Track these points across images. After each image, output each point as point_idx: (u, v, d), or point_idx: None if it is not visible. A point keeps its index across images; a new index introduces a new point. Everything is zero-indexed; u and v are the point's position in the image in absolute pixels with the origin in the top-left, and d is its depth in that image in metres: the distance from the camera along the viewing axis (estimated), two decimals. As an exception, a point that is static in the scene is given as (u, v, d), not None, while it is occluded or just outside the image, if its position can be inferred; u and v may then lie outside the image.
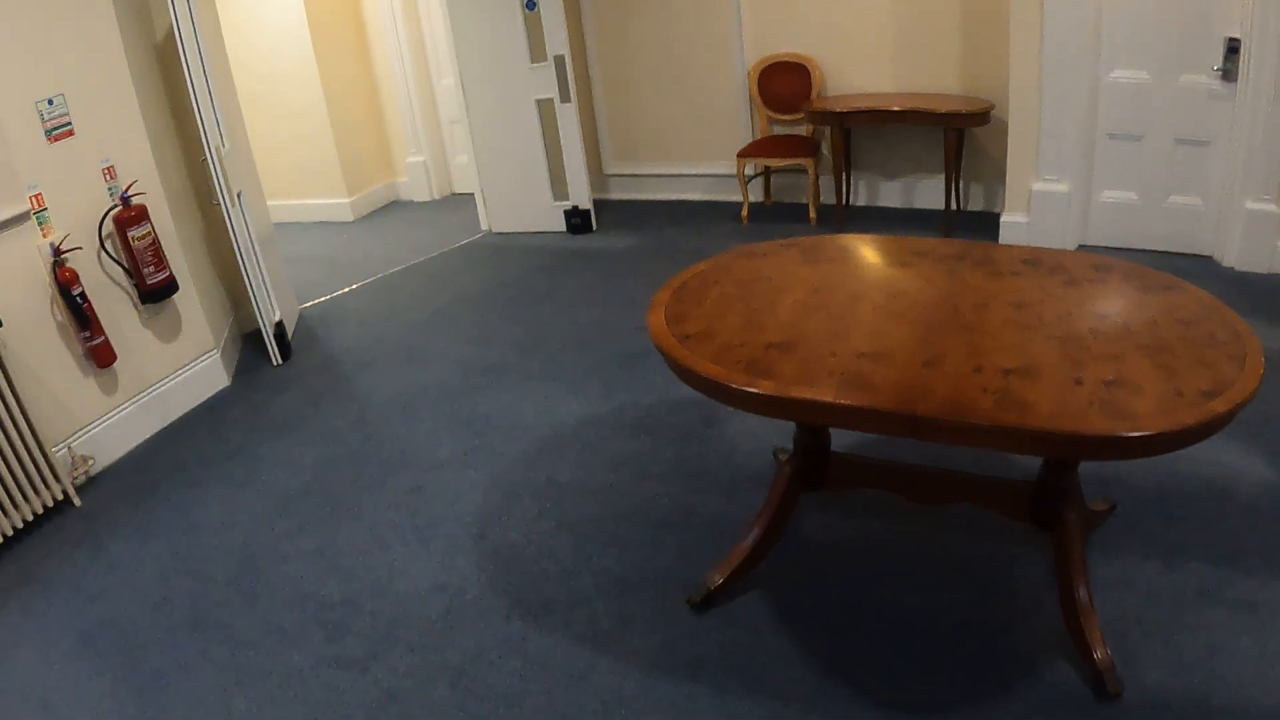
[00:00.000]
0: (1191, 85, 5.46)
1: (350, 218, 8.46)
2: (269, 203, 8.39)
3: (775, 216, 7.14)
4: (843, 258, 3.32)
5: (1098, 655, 2.56)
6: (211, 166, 4.86)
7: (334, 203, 8.49)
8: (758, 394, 2.35)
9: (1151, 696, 2.52)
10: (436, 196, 8.87)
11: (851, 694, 2.65)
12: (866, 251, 3.39)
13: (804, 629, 2.91)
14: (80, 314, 4.12)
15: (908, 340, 2.58)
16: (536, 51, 6.75)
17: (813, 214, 6.81)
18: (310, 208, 8.60)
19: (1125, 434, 2.11)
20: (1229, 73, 5.31)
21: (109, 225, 4.36)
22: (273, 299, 5.44)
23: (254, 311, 5.24)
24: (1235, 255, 5.62)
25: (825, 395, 2.30)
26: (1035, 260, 3.17)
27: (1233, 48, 5.25)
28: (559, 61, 6.67)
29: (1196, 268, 5.69)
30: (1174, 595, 2.89)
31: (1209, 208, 5.70)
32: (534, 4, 6.62)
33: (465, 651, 2.94)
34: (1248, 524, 3.22)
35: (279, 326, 5.37)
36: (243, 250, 5.06)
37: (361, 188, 8.59)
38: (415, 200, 8.90)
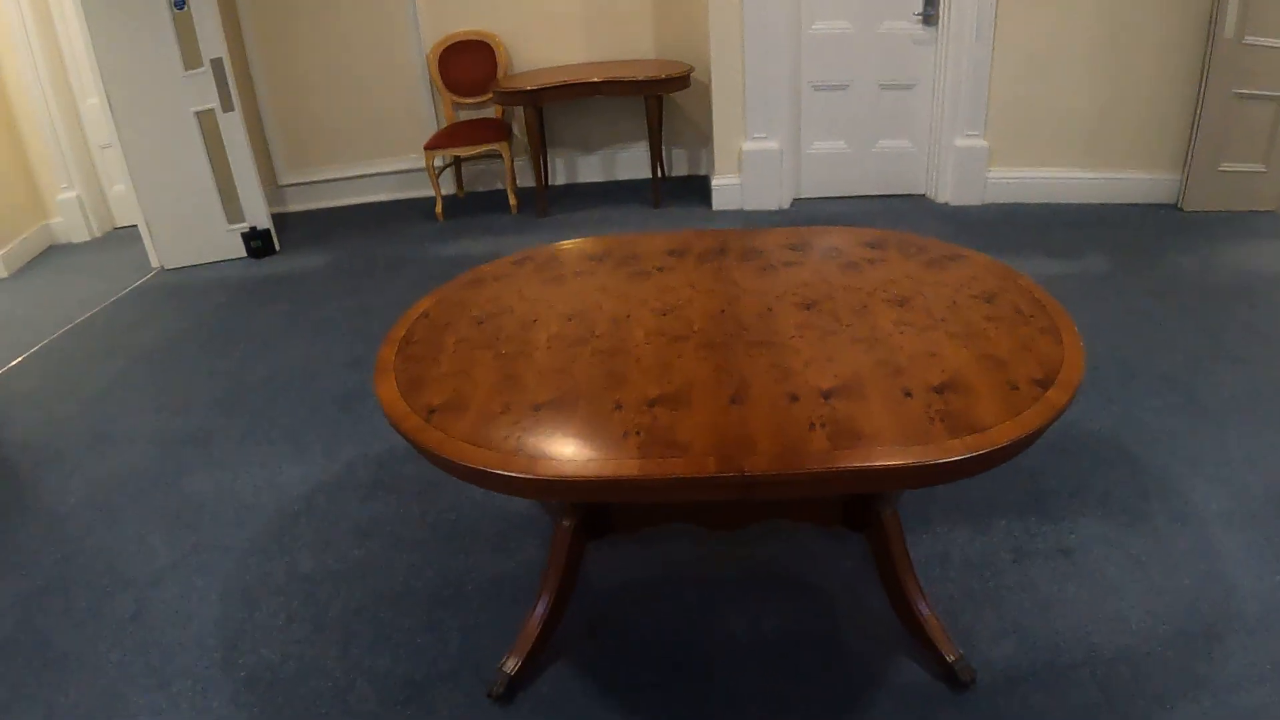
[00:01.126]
0: (893, 31, 5.45)
1: (3, 274, 7.32)
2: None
3: (473, 208, 6.64)
4: (589, 269, 2.87)
5: (949, 657, 2.37)
6: None
7: (-25, 259, 7.33)
8: (545, 480, 1.84)
9: (1003, 671, 2.44)
10: (98, 234, 7.76)
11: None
12: (613, 257, 2.95)
13: (630, 688, 2.52)
14: None
15: (700, 371, 2.16)
16: (190, 57, 5.91)
17: (513, 200, 6.36)
18: (-50, 271, 7.40)
19: (980, 452, 1.82)
20: (930, 17, 5.32)
21: None
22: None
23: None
24: (949, 191, 5.68)
25: (629, 469, 1.82)
26: (802, 244, 2.86)
27: (933, -9, 5.26)
28: (217, 65, 5.88)
29: (913, 207, 5.72)
30: (990, 559, 2.84)
31: (919, 148, 5.72)
32: (183, 2, 5.80)
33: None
34: (1038, 468, 3.24)
35: (-69, 431, 4.46)
36: None
37: (10, 237, 7.41)
38: (74, 241, 7.76)
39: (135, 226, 6.76)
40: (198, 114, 6.04)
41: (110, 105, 6.07)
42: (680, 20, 6.11)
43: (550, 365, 2.27)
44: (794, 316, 2.38)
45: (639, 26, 6.22)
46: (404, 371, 2.31)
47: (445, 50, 6.41)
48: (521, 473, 1.85)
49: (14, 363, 5.50)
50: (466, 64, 6.40)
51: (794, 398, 2.01)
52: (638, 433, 1.93)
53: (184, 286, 6.15)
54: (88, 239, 7.72)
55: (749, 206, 5.82)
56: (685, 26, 6.07)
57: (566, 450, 1.92)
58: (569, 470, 1.85)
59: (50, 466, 4.22)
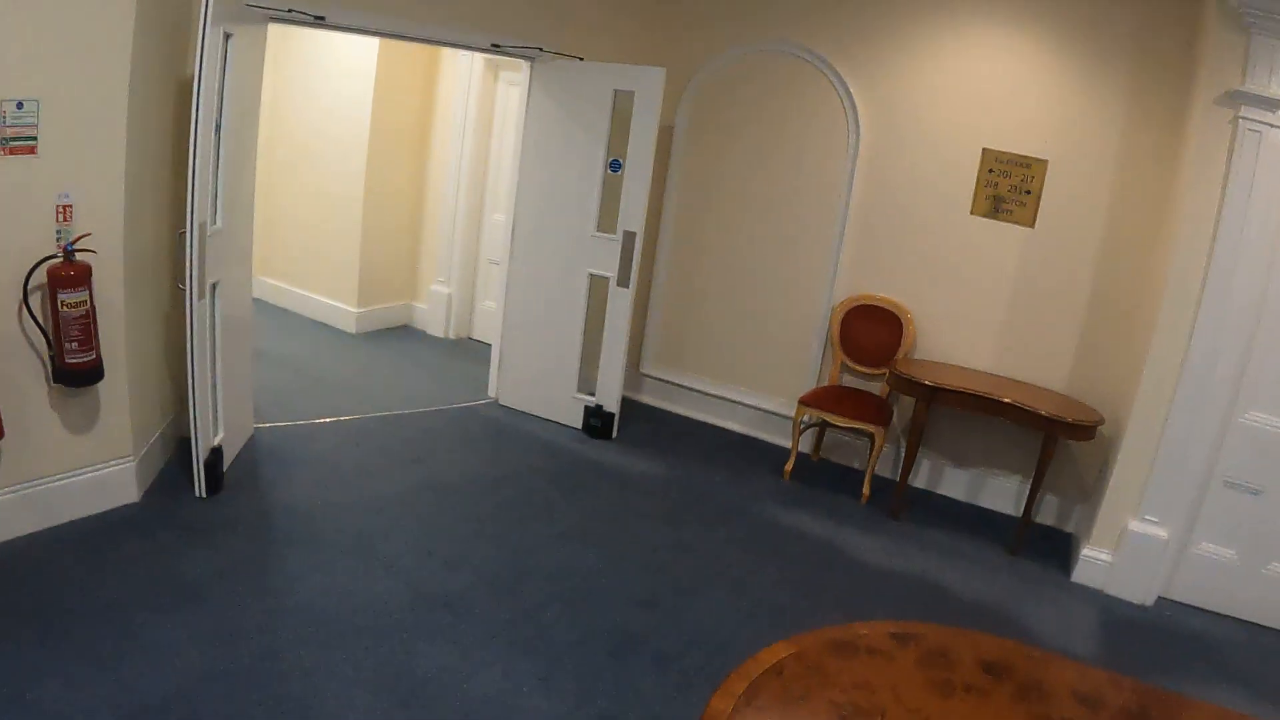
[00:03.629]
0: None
1: (353, 330, 7.63)
2: (271, 282, 7.68)
3: (821, 479, 6.16)
4: (985, 687, 2.38)
5: None
6: (188, 246, 4.03)
7: (340, 307, 7.68)
8: None
9: None
10: (452, 336, 7.99)
11: None
12: (1014, 678, 2.46)
13: None
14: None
15: None
16: (606, 220, 5.94)
17: (866, 490, 5.87)
18: (313, 303, 7.80)
19: None
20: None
21: (40, 276, 3.55)
22: (218, 418, 4.59)
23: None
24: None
25: None
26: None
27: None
28: (628, 239, 5.85)
29: (1282, 651, 4.88)
30: None
31: (1311, 584, 4.94)
32: (619, 165, 5.84)
33: None
34: None
35: (215, 453, 4.47)
36: (196, 355, 4.21)
37: (373, 301, 7.77)
38: (428, 333, 8.04)
39: (488, 344, 6.85)
40: (591, 276, 6.03)
41: (513, 234, 6.18)
42: (1102, 363, 5.57)
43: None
44: None
45: (1057, 354, 5.71)
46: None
47: (853, 309, 6.12)
48: None
49: (323, 420, 5.57)
50: (869, 330, 6.07)
51: None
52: None
53: (511, 431, 6.08)
54: (440, 336, 7.99)
55: (1111, 590, 5.11)
56: (1105, 373, 5.53)
57: None
58: None
59: (300, 547, 4.16)
